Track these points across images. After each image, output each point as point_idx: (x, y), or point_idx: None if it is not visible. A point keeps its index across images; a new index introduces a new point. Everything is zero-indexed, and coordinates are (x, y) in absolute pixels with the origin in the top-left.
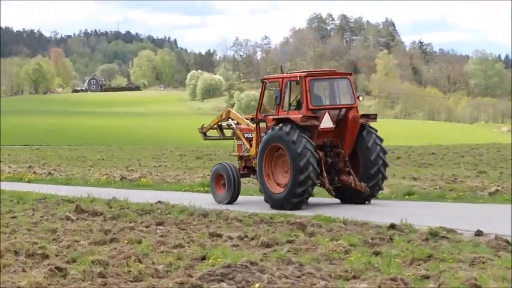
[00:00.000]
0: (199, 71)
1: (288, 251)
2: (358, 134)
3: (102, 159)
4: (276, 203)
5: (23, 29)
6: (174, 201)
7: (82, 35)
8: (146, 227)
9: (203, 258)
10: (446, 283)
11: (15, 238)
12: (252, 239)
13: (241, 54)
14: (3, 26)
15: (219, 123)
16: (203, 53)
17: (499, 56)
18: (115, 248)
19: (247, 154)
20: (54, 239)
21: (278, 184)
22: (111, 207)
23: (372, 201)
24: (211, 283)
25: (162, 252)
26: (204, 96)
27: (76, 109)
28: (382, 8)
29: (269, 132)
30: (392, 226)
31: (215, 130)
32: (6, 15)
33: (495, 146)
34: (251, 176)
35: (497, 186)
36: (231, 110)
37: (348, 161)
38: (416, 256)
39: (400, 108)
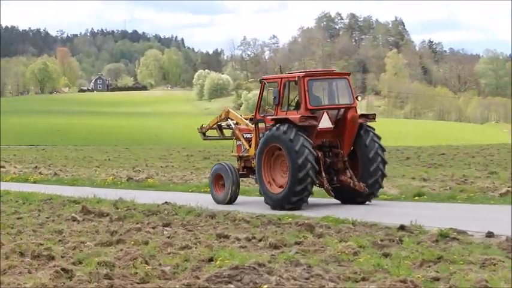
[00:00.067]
0: (206, 70)
1: (296, 252)
2: (357, 133)
3: (109, 159)
4: (275, 203)
5: (29, 28)
6: (181, 202)
7: (88, 34)
8: (153, 228)
9: (210, 260)
10: (456, 285)
11: (21, 239)
12: (260, 240)
13: (249, 53)
14: (8, 25)
15: (219, 123)
16: (210, 52)
17: (510, 55)
18: (121, 249)
19: (247, 154)
20: (60, 240)
21: (277, 184)
22: (117, 208)
23: (381, 202)
24: (218, 285)
25: (169, 253)
26: (212, 96)
27: (82, 109)
28: (392, 6)
29: (267, 132)
30: (402, 227)
31: (215, 130)
32: (12, 14)
33: (506, 147)
34: (250, 176)
35: (508, 187)
36: (230, 110)
37: (346, 161)
38: (426, 258)
39: (410, 108)
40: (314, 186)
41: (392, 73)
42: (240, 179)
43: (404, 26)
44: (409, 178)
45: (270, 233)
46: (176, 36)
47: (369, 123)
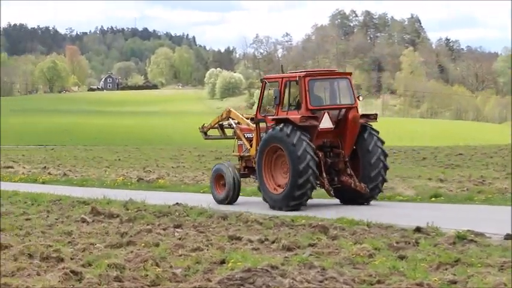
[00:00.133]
0: (218, 68)
1: (310, 254)
2: (359, 135)
3: (119, 159)
4: (274, 203)
5: (38, 25)
6: (192, 203)
7: (98, 32)
8: (164, 229)
9: (222, 262)
10: None
11: (30, 241)
12: (273, 242)
13: (262, 51)
14: (17, 23)
15: (220, 122)
16: (222, 50)
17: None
18: (132, 251)
19: (248, 154)
20: (69, 242)
21: (277, 184)
22: (127, 209)
23: (397, 203)
24: (230, 287)
25: (180, 255)
26: (224, 95)
27: (92, 108)
28: (407, 4)
29: (269, 132)
30: (418, 229)
31: (216, 130)
32: (21, 12)
33: None
34: (251, 176)
35: None
36: (231, 109)
37: (347, 161)
38: (443, 260)
39: (426, 107)
40: (314, 189)
41: (408, 71)
42: (241, 179)
43: (420, 23)
44: (426, 179)
45: (283, 235)
46: (187, 34)
47: (372, 126)
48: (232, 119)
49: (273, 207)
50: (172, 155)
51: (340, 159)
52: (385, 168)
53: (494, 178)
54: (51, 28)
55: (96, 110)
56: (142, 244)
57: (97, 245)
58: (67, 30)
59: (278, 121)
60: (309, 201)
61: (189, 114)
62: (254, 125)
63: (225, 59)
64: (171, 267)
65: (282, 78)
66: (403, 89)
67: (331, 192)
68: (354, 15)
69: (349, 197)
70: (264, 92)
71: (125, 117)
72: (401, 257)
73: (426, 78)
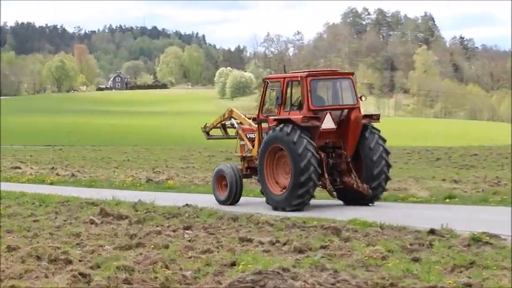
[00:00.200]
0: (228, 68)
1: (322, 256)
2: (361, 134)
3: (128, 160)
4: (277, 204)
5: (46, 24)
6: (202, 204)
7: (107, 30)
8: (173, 231)
9: (233, 264)
10: None
11: (38, 242)
12: (284, 244)
13: (273, 50)
14: (25, 21)
15: (222, 122)
16: (233, 49)
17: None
18: (141, 253)
19: (250, 155)
20: (77, 244)
21: (279, 185)
22: (136, 211)
23: (411, 204)
24: None
25: (190, 257)
26: (234, 95)
27: (100, 108)
28: (421, 1)
29: (270, 133)
30: (432, 231)
31: (219, 129)
32: (29, 11)
33: None
34: (253, 177)
35: None
36: (233, 109)
37: (350, 162)
38: (457, 263)
39: (440, 107)
40: (316, 187)
41: (422, 70)
42: (244, 180)
43: (434, 21)
44: (440, 180)
45: (295, 237)
46: (197, 33)
47: (374, 125)
48: (235, 119)
49: (276, 208)
50: (182, 156)
51: (343, 159)
52: (388, 166)
53: (509, 179)
54: (59, 27)
55: (104, 110)
56: (152, 246)
57: (106, 246)
58: (75, 28)
59: (280, 121)
60: (319, 202)
61: (199, 114)
62: (256, 125)
63: (236, 58)
64: (180, 269)
65: (284, 78)
66: (416, 89)
67: (333, 193)
68: (366, 13)
69: (352, 197)
70: (266, 92)
71: (133, 117)
72: (415, 260)
73: (440, 77)
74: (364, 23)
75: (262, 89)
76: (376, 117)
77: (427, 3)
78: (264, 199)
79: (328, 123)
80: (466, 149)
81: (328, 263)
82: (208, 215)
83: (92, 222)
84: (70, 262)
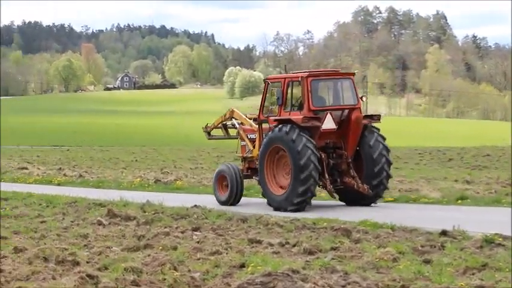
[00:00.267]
0: (237, 67)
1: (332, 258)
2: (361, 133)
3: (136, 160)
4: (278, 204)
5: (53, 23)
6: (211, 206)
7: (114, 29)
8: (182, 232)
9: (242, 266)
10: None
11: (45, 244)
12: (294, 245)
13: (282, 49)
14: (32, 20)
15: (223, 122)
16: (242, 48)
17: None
18: (149, 255)
19: (251, 155)
20: (85, 245)
21: (280, 186)
22: (144, 212)
23: (422, 205)
24: None
25: (199, 259)
26: (243, 94)
27: (108, 108)
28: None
29: (270, 133)
30: (443, 233)
31: (220, 129)
32: (36, 9)
33: None
34: (254, 177)
35: None
36: (234, 109)
37: (350, 162)
38: (469, 265)
39: (453, 106)
40: (317, 187)
41: (434, 70)
42: (245, 180)
43: (446, 20)
44: (452, 180)
45: (305, 238)
46: (206, 32)
47: (379, 124)
48: (235, 119)
49: (277, 208)
50: (191, 156)
51: (343, 160)
52: (389, 163)
53: None
54: (66, 26)
55: (112, 110)
56: (160, 247)
57: (113, 248)
58: (83, 28)
59: (280, 122)
60: (326, 203)
61: (208, 114)
62: (257, 126)
63: (245, 57)
64: (189, 271)
65: (285, 78)
66: (428, 88)
67: (334, 193)
68: (377, 11)
69: (352, 198)
70: (266, 92)
71: (141, 117)
72: (427, 261)
73: (452, 76)
74: (375, 21)
75: (263, 90)
76: (376, 118)
77: (439, 1)
78: (265, 200)
79: (328, 123)
80: (478, 150)
81: (338, 264)
82: (217, 216)
83: (100, 223)
84: (77, 263)
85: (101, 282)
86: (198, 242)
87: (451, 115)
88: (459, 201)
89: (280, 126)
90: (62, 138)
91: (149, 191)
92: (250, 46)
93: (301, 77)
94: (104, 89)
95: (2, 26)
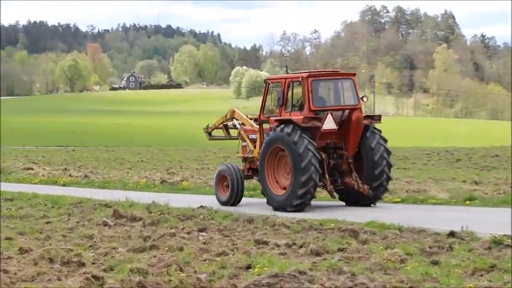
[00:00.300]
0: (244, 67)
1: (339, 259)
2: (362, 134)
3: (142, 161)
4: (278, 204)
5: (59, 23)
6: (217, 206)
7: (120, 29)
8: (188, 233)
9: (248, 267)
10: None
11: (50, 245)
12: (301, 246)
13: (289, 49)
14: (37, 20)
15: (224, 123)
16: (248, 48)
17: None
18: (155, 256)
19: (251, 156)
20: (90, 246)
21: (280, 186)
22: (150, 212)
23: (430, 206)
24: None
25: (205, 260)
26: (250, 94)
27: (114, 108)
28: None
29: (271, 133)
30: (452, 234)
31: (221, 130)
32: (42, 9)
33: None
34: (254, 177)
35: None
36: (235, 110)
37: (351, 162)
38: (478, 266)
39: (461, 106)
40: (317, 188)
41: (442, 69)
42: (245, 180)
43: (454, 19)
44: (460, 181)
45: (311, 239)
46: (212, 31)
47: (375, 125)
48: (236, 119)
49: (277, 208)
50: (197, 156)
51: (344, 160)
52: (389, 166)
53: None
54: (72, 25)
55: (118, 110)
56: (166, 248)
57: (119, 249)
58: (88, 27)
59: (281, 122)
60: (335, 203)
61: (214, 114)
62: (258, 126)
63: (251, 57)
64: (195, 272)
65: (286, 79)
66: (436, 88)
67: (334, 193)
68: (385, 11)
69: (353, 198)
70: (267, 93)
71: (147, 117)
72: (435, 263)
73: (460, 76)
74: (382, 21)
75: (264, 90)
76: (377, 118)
77: (448, 1)
78: (264, 200)
79: (329, 123)
80: (487, 150)
81: (345, 266)
82: (224, 217)
83: (105, 224)
84: (83, 265)
85: (106, 284)
86: (204, 243)
87: (459, 115)
88: (467, 202)
89: (281, 126)
90: (68, 138)
91: (155, 191)
92: (257, 46)
93: (302, 77)
94: (110, 89)
95: (7, 25)
